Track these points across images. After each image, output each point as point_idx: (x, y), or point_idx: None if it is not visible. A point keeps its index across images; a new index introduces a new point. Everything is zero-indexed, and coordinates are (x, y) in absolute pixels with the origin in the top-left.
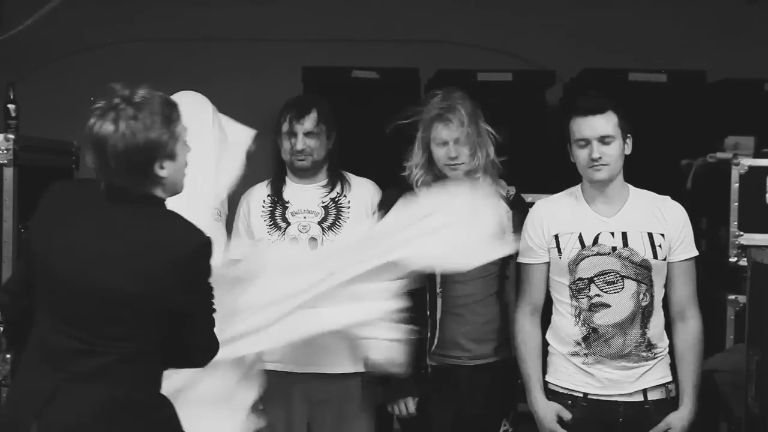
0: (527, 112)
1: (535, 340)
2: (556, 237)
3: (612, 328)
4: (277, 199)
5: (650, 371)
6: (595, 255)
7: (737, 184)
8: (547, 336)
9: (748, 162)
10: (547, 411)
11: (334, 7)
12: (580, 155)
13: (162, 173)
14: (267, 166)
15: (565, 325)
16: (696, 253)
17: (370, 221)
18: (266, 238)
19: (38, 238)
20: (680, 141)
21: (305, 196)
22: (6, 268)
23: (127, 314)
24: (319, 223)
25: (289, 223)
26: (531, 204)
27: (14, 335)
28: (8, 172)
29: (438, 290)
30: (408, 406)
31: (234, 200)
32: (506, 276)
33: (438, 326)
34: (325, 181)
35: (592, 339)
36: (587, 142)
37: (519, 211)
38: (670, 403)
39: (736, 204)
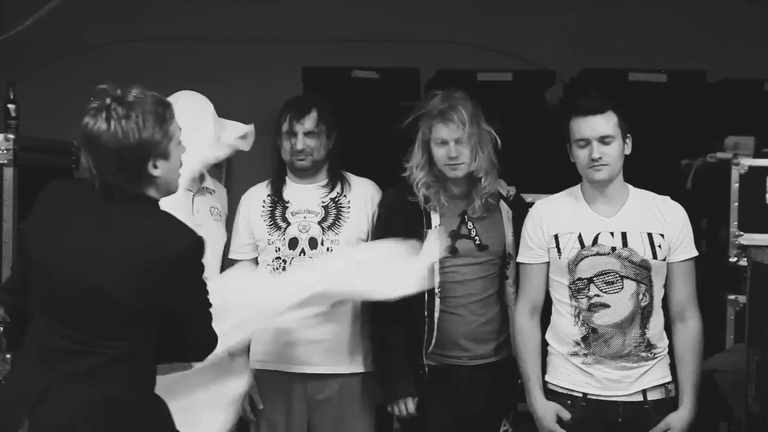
0: (527, 112)
1: (535, 340)
2: (556, 237)
3: (611, 328)
4: (277, 199)
5: (650, 371)
6: (594, 255)
7: (737, 184)
8: (547, 336)
9: (748, 162)
10: (546, 411)
11: (335, 7)
12: (580, 155)
13: (155, 172)
14: (267, 166)
15: (565, 325)
16: (695, 253)
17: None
18: (266, 238)
19: (33, 237)
20: (680, 141)
21: (305, 196)
22: (6, 268)
23: (119, 314)
24: (319, 222)
25: (289, 223)
26: (531, 204)
27: (12, 334)
28: (8, 172)
29: (437, 290)
30: (407, 406)
31: (234, 200)
32: (506, 276)
33: (436, 326)
34: (325, 181)
35: (591, 339)
36: (587, 142)
37: (519, 211)
38: (670, 403)
39: (736, 204)
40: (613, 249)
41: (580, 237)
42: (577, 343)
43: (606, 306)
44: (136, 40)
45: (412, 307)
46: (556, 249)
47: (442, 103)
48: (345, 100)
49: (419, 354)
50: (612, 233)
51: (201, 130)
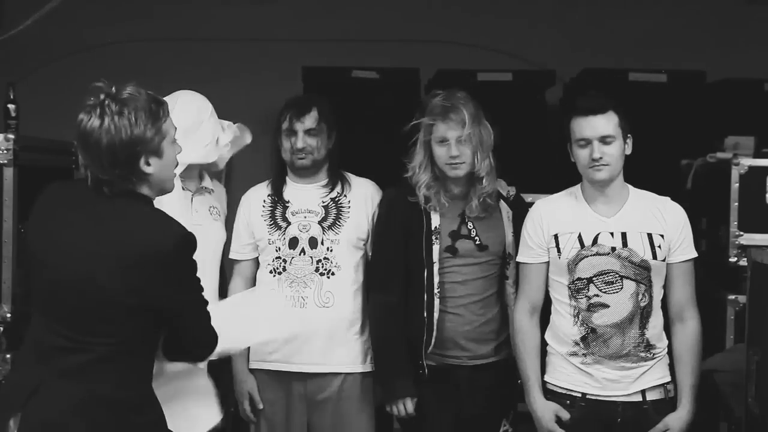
0: (527, 112)
1: (534, 340)
2: (556, 237)
3: (611, 328)
4: (278, 199)
5: (649, 371)
6: (594, 255)
7: (737, 184)
8: (546, 336)
9: (748, 162)
10: (545, 411)
11: (335, 7)
12: (581, 155)
13: (148, 170)
14: (267, 166)
15: (564, 325)
16: (695, 254)
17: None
18: (266, 238)
19: (33, 238)
20: (680, 141)
21: (305, 195)
22: (6, 268)
23: (109, 311)
24: (320, 222)
25: (289, 223)
26: (531, 204)
27: (12, 334)
28: (8, 172)
29: (436, 291)
30: (407, 406)
31: (234, 200)
32: (506, 276)
33: (435, 327)
34: (325, 181)
35: (590, 339)
36: (588, 142)
37: (519, 211)
38: (669, 403)
39: (736, 204)
40: (613, 249)
41: (579, 237)
42: (577, 343)
43: (605, 306)
44: (136, 40)
45: (412, 307)
46: (555, 249)
47: (444, 102)
48: (345, 100)
49: (419, 354)
50: (612, 233)
51: (199, 130)
